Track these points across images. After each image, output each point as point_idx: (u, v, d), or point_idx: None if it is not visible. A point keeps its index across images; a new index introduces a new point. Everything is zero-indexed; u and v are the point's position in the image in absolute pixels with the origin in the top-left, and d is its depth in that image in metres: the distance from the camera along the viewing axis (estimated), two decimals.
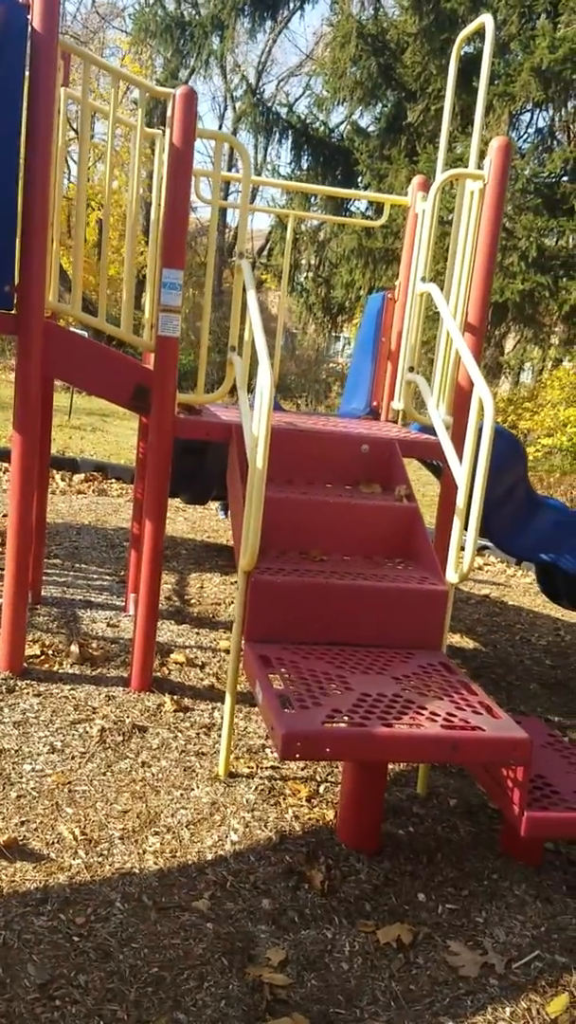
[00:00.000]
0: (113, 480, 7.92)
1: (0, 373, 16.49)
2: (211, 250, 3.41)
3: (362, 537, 3.14)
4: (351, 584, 2.82)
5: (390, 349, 4.06)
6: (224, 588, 5.06)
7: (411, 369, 3.54)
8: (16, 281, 3.04)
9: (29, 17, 2.87)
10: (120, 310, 3.37)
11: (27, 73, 2.90)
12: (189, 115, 3.02)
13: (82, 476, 7.80)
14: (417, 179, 3.90)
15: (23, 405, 3.11)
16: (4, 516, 5.80)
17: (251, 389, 3.06)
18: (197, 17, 11.39)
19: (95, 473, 7.95)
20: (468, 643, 4.71)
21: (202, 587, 5.02)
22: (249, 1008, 1.87)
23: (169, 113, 3.06)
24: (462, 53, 3.66)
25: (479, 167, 3.32)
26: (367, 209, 10.49)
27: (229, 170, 16.77)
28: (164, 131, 3.17)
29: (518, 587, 6.21)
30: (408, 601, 2.83)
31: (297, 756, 2.19)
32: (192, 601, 4.72)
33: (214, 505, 6.88)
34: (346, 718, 2.27)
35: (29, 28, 2.86)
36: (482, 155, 3.33)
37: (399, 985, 2.02)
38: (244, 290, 3.01)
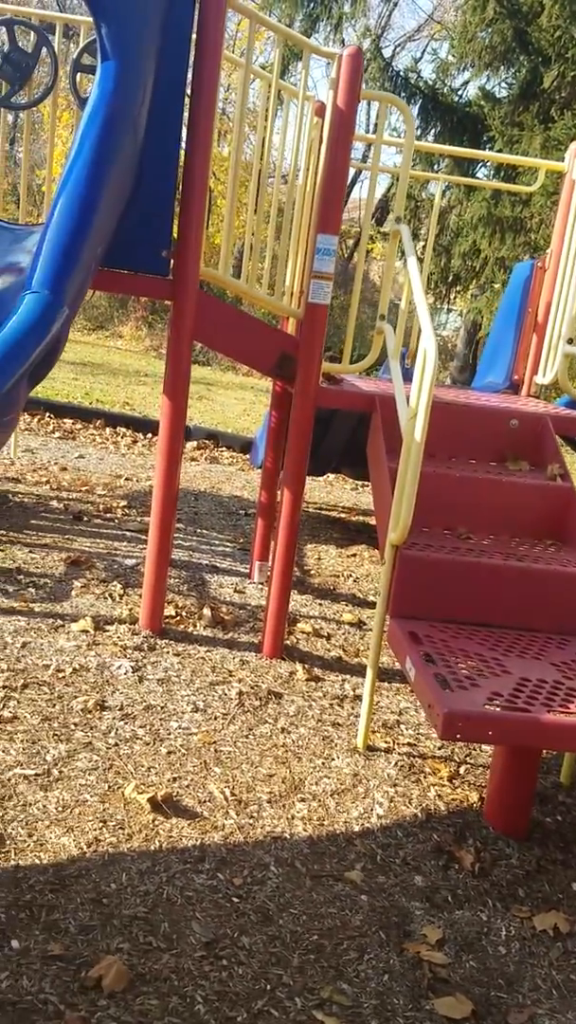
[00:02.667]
0: (224, 448, 7.98)
1: (106, 340, 16.78)
2: (367, 217, 3.33)
3: (510, 516, 3.05)
4: (503, 564, 2.74)
5: (536, 320, 3.92)
6: (341, 561, 5.03)
7: (570, 341, 3.40)
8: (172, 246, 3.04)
9: None
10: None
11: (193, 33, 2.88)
12: (355, 76, 2.94)
13: (195, 443, 7.88)
14: (575, 145, 3.72)
15: (175, 370, 3.13)
16: (127, 479, 5.92)
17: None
18: None
19: (207, 441, 8.02)
20: None
21: (319, 559, 5.01)
22: (412, 984, 1.86)
23: (333, 74, 2.99)
24: None
25: None
26: (492, 176, 10.16)
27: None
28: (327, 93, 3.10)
29: None
30: (564, 586, 2.73)
31: (458, 737, 2.15)
32: (311, 572, 4.72)
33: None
34: (507, 702, 2.21)
35: None
36: None
37: (560, 974, 1.97)
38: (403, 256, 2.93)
